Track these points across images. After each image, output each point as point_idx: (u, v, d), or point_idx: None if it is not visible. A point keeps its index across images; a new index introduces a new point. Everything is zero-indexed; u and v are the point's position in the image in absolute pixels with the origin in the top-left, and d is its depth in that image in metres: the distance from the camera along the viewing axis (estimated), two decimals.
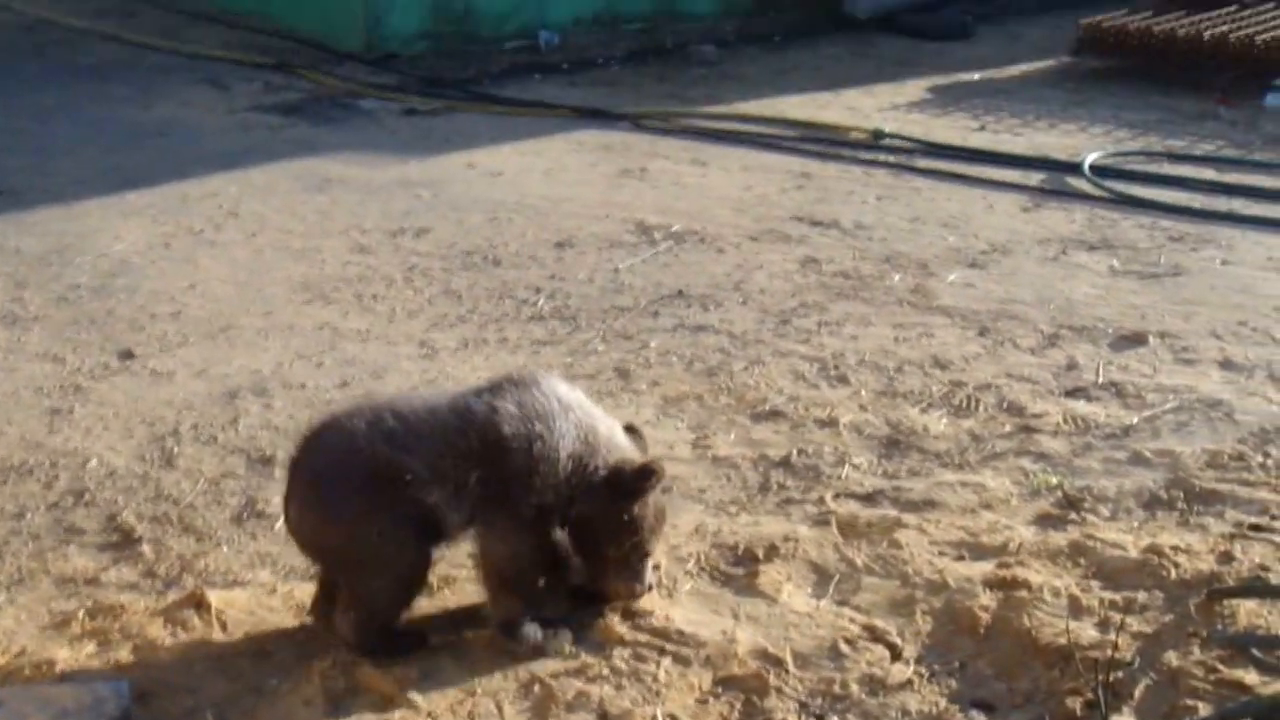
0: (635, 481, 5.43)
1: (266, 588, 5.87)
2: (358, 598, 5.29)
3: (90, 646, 5.39)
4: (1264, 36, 13.94)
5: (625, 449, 5.56)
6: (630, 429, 5.73)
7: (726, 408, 7.36)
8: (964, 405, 7.32)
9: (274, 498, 6.50)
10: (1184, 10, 15.04)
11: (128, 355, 8.14)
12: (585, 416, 5.51)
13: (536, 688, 5.11)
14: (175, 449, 7.02)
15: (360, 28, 15.71)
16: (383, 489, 5.18)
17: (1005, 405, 7.31)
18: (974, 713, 4.97)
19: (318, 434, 5.36)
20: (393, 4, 15.62)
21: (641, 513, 5.47)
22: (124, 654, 5.33)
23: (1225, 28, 14.39)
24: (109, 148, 12.20)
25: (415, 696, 5.07)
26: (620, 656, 5.25)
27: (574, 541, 5.54)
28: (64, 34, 16.81)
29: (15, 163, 11.73)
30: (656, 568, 5.75)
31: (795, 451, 6.85)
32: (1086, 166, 11.32)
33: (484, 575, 5.45)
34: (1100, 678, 4.73)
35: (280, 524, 6.21)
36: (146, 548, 6.13)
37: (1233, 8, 15.14)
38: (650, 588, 5.62)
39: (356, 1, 15.71)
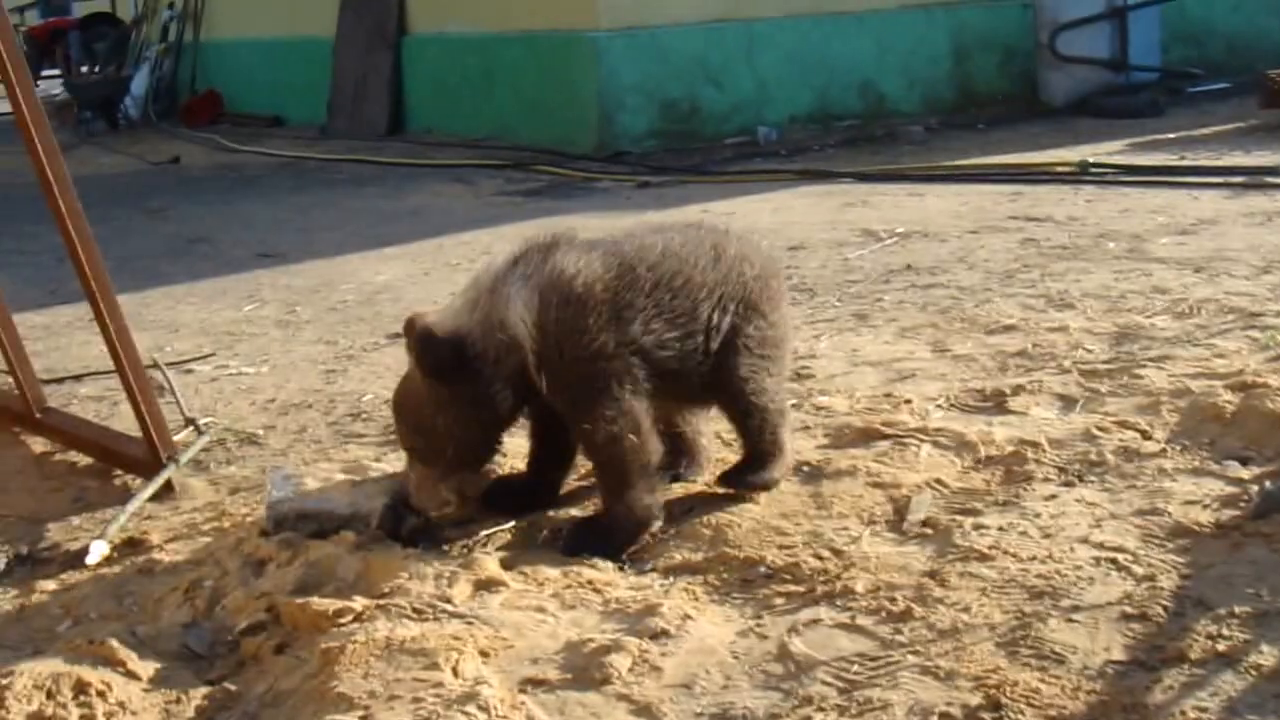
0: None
1: None
2: None
3: None
4: None
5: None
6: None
7: (961, 329, 7.26)
8: (1187, 312, 7.15)
9: None
10: None
11: (396, 335, 8.19)
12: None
13: (806, 467, 5.04)
14: None
15: (593, 131, 15.97)
16: None
17: (1227, 309, 7.13)
18: (1230, 463, 4.82)
19: None
20: (623, 107, 15.86)
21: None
22: None
23: None
24: (366, 225, 12.45)
25: None
26: (879, 444, 5.17)
27: None
28: (318, 164, 17.26)
29: (281, 238, 12.02)
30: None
31: (1030, 345, 6.73)
32: None
33: None
34: None
35: None
36: None
37: None
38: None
39: (589, 107, 16.00)
